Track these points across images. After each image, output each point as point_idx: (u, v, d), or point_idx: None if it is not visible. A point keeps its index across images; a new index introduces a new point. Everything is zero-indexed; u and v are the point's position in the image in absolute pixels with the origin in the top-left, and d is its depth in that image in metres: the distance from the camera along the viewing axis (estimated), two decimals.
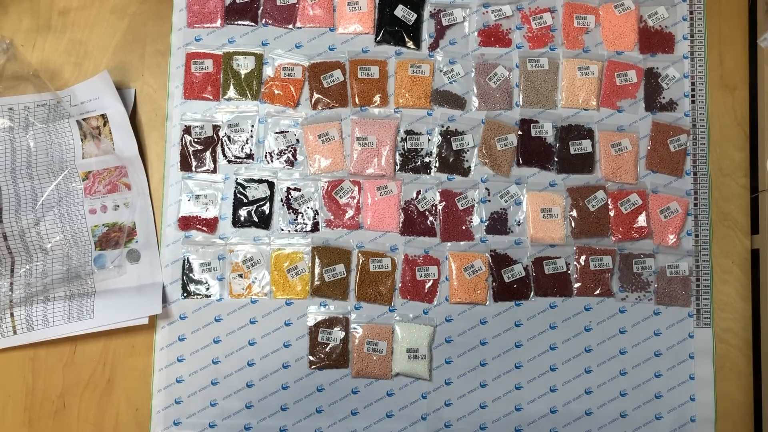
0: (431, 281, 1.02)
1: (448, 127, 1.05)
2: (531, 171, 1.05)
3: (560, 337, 1.01)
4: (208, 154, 1.05)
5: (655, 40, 1.08)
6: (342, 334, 1.00)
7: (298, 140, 1.05)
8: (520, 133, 1.05)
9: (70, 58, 1.07)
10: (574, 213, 1.04)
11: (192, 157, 1.05)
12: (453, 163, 1.05)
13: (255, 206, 1.03)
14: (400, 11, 1.07)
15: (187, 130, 1.05)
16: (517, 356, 1.01)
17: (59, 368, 1.01)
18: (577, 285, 1.02)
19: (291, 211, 1.04)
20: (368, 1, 1.07)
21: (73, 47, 1.08)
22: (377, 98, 1.06)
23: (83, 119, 1.03)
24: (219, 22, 1.08)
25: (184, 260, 1.02)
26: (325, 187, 1.04)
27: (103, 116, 1.03)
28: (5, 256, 0.99)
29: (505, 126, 1.05)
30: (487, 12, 1.08)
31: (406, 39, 1.07)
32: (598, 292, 1.02)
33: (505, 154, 1.05)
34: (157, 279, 1.02)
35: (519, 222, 1.04)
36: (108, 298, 0.99)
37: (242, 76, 1.06)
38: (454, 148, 1.05)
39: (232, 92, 1.06)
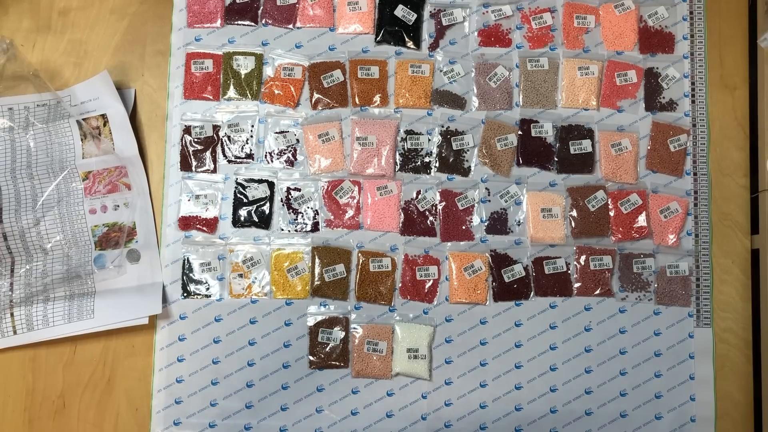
0: (431, 281, 1.02)
1: (448, 127, 1.05)
2: (531, 171, 1.05)
3: (560, 337, 1.01)
4: (208, 154, 1.05)
5: (655, 40, 1.08)
6: (342, 334, 1.00)
7: (298, 140, 1.05)
8: (520, 133, 1.05)
9: (70, 58, 1.08)
10: (574, 213, 1.04)
11: (192, 157, 1.05)
12: (453, 163, 1.05)
13: (255, 206, 1.03)
14: (400, 11, 1.07)
15: (187, 130, 1.05)
16: (517, 356, 1.01)
17: (59, 368, 1.01)
18: (577, 285, 1.02)
19: (291, 211, 1.04)
20: (368, 1, 1.08)
21: (73, 47, 1.08)
22: (377, 98, 1.06)
23: (83, 119, 1.03)
24: (219, 22, 1.08)
25: (184, 260, 1.02)
26: (325, 187, 1.04)
27: (103, 116, 1.03)
28: (5, 256, 0.99)
29: (505, 126, 1.05)
30: (487, 12, 1.08)
31: (406, 39, 1.07)
32: (598, 292, 1.02)
33: (505, 154, 1.05)
34: (157, 279, 1.02)
35: (519, 222, 1.04)
36: (108, 298, 0.99)
37: (242, 76, 1.06)
38: (454, 148, 1.05)
39: (232, 92, 1.06)
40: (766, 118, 1.01)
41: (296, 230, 1.03)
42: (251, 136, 1.05)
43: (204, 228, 1.03)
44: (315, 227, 1.03)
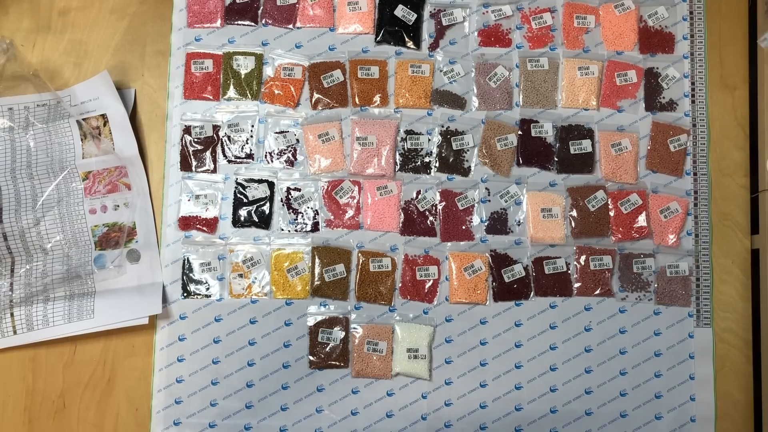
0: (431, 281, 1.02)
1: (448, 127, 1.05)
2: (531, 171, 1.05)
3: (560, 337, 1.01)
4: (208, 154, 1.05)
5: (655, 40, 1.08)
6: (342, 334, 1.00)
7: (298, 140, 1.05)
8: (520, 133, 1.05)
9: (70, 58, 1.08)
10: (574, 213, 1.04)
11: (192, 157, 1.05)
12: (453, 163, 1.05)
13: (255, 206, 1.03)
14: (400, 11, 1.07)
15: (187, 130, 1.05)
16: (517, 356, 1.01)
17: (59, 368, 1.01)
18: (577, 285, 1.02)
19: (291, 211, 1.04)
20: (368, 1, 1.07)
21: (73, 47, 1.08)
22: (377, 98, 1.06)
23: (83, 119, 1.03)
24: (219, 22, 1.08)
25: (184, 260, 1.02)
26: (325, 187, 1.04)
27: (103, 116, 1.03)
28: (5, 256, 0.99)
29: (505, 126, 1.05)
30: (487, 12, 1.08)
31: (406, 39, 1.07)
32: (598, 292, 1.02)
33: (505, 154, 1.05)
34: (157, 279, 1.02)
35: (519, 222, 1.04)
36: (108, 298, 0.99)
37: (242, 76, 1.06)
38: (454, 148, 1.05)
39: (232, 92, 1.06)
40: (766, 118, 1.01)
41: (296, 230, 1.03)
42: (251, 136, 1.05)
43: (204, 228, 1.03)
44: (315, 227, 1.03)
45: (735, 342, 1.02)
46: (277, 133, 1.05)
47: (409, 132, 1.05)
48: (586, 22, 1.08)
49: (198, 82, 1.06)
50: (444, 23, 1.08)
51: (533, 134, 1.05)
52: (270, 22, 1.08)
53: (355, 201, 1.04)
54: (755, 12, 1.07)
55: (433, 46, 1.08)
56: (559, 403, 1.00)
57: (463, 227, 1.03)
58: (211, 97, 1.06)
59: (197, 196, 1.04)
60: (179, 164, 1.05)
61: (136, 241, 1.02)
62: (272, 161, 1.05)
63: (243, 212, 1.03)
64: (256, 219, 1.03)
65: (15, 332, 0.98)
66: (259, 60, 1.06)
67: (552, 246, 1.03)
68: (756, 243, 1.02)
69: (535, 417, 1.00)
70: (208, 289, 1.02)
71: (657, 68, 1.07)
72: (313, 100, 1.06)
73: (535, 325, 1.01)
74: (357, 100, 1.06)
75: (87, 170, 1.02)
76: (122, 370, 1.01)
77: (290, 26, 1.08)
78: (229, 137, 1.05)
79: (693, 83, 1.07)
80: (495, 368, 1.01)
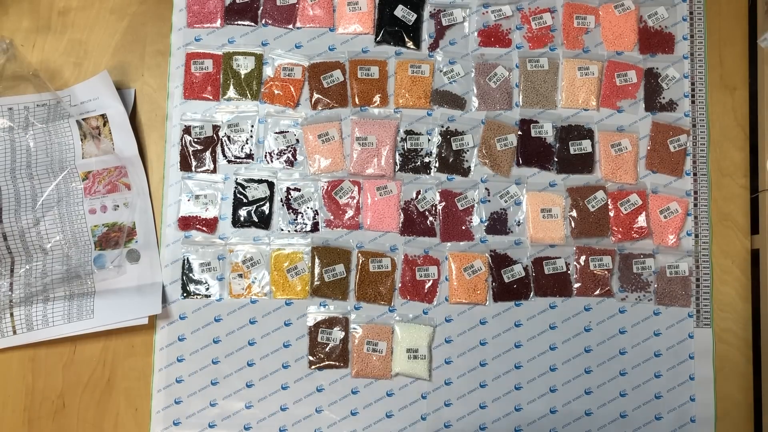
0: (431, 281, 1.02)
1: (448, 127, 1.05)
2: (531, 171, 1.05)
3: (560, 337, 1.01)
4: (207, 154, 1.05)
5: (655, 41, 1.08)
6: (342, 334, 1.00)
7: (297, 140, 1.05)
8: (519, 133, 1.05)
9: (70, 58, 1.08)
10: (574, 213, 1.03)
11: (192, 157, 1.05)
12: (453, 163, 1.05)
13: (255, 206, 1.03)
14: (400, 11, 1.07)
15: (187, 130, 1.05)
16: (517, 356, 1.01)
17: (59, 368, 1.01)
18: (577, 285, 1.02)
19: (291, 211, 1.04)
20: (368, 1, 1.08)
21: (73, 47, 1.08)
22: (377, 98, 1.06)
23: (83, 119, 1.03)
24: (219, 22, 1.08)
25: (183, 260, 1.02)
26: (325, 187, 1.04)
27: (103, 116, 1.03)
28: (5, 256, 0.99)
29: (505, 126, 1.05)
30: (487, 12, 1.08)
31: (406, 39, 1.07)
32: (598, 292, 1.02)
33: (505, 154, 1.05)
34: (156, 279, 1.02)
35: (519, 222, 1.04)
36: (108, 298, 0.99)
37: (242, 76, 1.06)
38: (454, 148, 1.05)
39: (232, 92, 1.06)
40: (766, 118, 1.01)
41: (296, 230, 1.03)
42: (251, 136, 1.05)
43: (204, 228, 1.03)
44: (315, 227, 1.03)
45: (735, 342, 1.02)
46: (276, 133, 1.05)
47: (408, 132, 1.05)
48: (586, 22, 1.08)
49: (198, 82, 1.06)
50: (444, 23, 1.07)
51: (533, 134, 1.05)
52: (270, 22, 1.08)
53: (355, 201, 1.04)
54: (755, 12, 1.07)
55: (433, 47, 1.08)
56: (559, 403, 1.00)
57: (463, 227, 1.03)
58: (210, 97, 1.06)
59: (197, 196, 1.04)
60: (179, 164, 1.05)
61: (136, 241, 1.02)
62: (272, 161, 1.05)
63: (243, 212, 1.03)
64: (255, 219, 1.03)
65: (15, 332, 0.98)
66: (259, 60, 1.06)
67: (552, 246, 1.03)
68: (756, 243, 1.02)
69: (535, 417, 1.00)
70: (207, 289, 1.02)
71: (657, 68, 1.07)
72: (313, 100, 1.06)
73: (534, 325, 1.01)
74: (357, 100, 1.06)
75: (87, 170, 1.02)
76: (122, 370, 1.01)
77: (290, 26, 1.08)
78: (228, 137, 1.05)
79: (693, 83, 1.07)
80: (495, 368, 1.01)
